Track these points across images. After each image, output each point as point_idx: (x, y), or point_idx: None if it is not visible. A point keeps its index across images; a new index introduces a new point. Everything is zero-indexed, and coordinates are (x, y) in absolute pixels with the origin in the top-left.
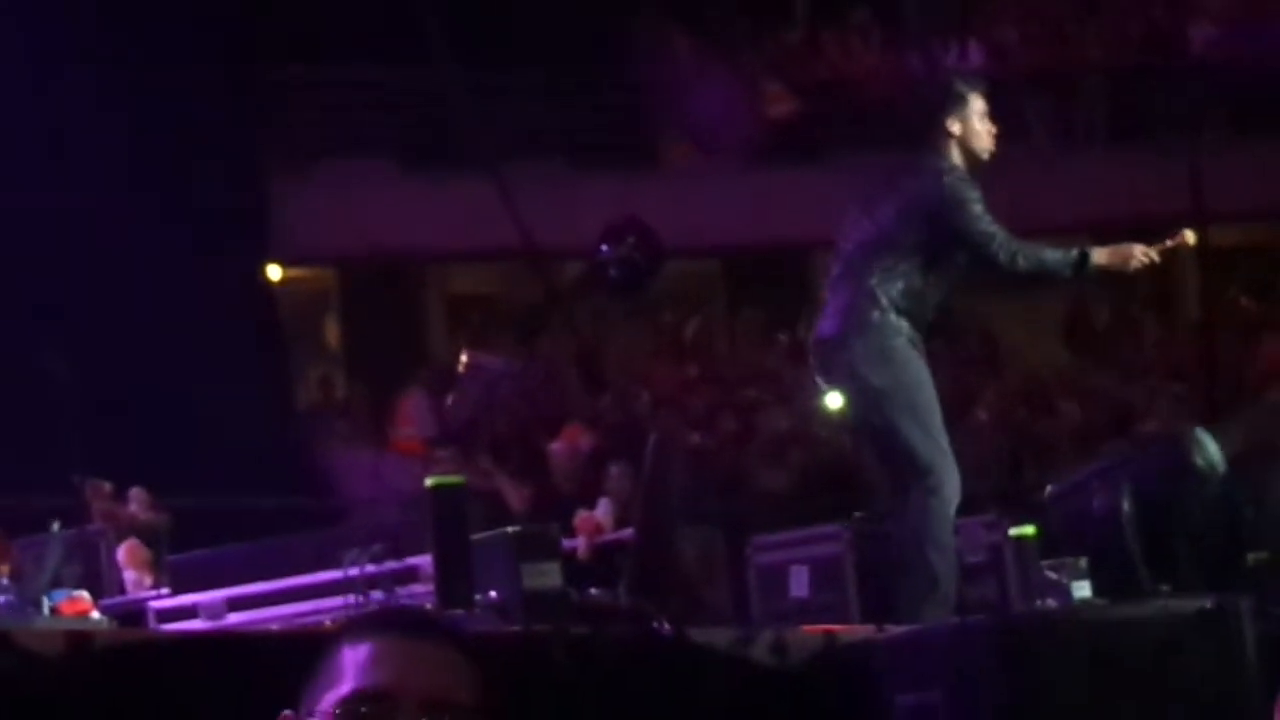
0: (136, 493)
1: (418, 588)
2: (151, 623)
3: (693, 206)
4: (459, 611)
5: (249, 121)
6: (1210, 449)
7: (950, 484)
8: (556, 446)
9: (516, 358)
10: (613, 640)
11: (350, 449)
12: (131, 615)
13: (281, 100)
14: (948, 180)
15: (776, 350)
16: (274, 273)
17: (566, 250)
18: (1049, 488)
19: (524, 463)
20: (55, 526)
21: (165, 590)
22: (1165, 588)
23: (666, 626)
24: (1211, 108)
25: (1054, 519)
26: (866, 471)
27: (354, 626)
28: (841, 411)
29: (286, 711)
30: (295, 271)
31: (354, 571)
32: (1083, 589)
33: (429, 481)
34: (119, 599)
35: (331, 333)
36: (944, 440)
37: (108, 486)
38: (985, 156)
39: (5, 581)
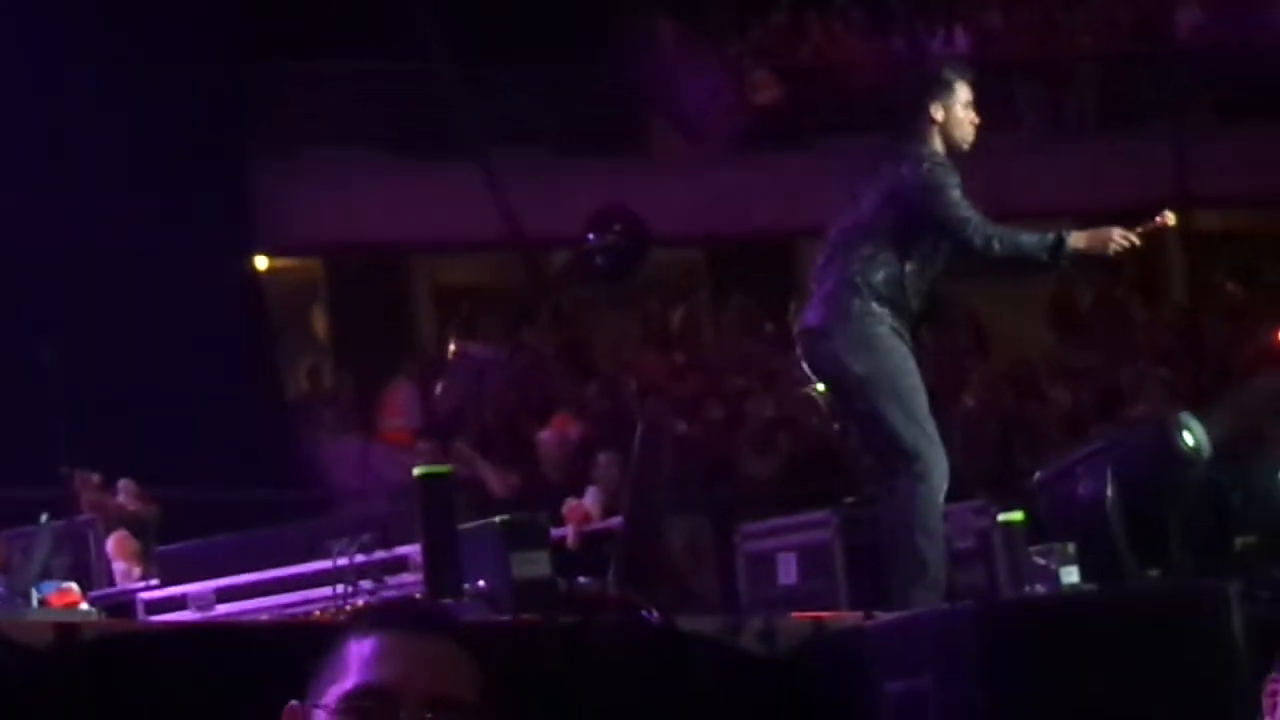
0: (125, 484)
1: (407, 577)
2: (140, 614)
3: (679, 194)
4: (448, 601)
5: (234, 112)
6: (1196, 433)
7: (938, 470)
8: (545, 435)
9: (504, 347)
10: (601, 629)
11: (338, 439)
12: (120, 606)
13: (268, 91)
14: (926, 166)
15: (763, 338)
16: (261, 263)
17: (553, 238)
18: (1037, 473)
19: (512, 452)
20: (43, 518)
21: (154, 581)
22: (1153, 572)
23: (655, 615)
24: (1197, 94)
25: (1041, 505)
26: (854, 458)
27: (359, 620)
28: (828, 397)
29: (293, 702)
30: (283, 262)
31: (343, 561)
32: (1071, 574)
33: (417, 471)
34: (108, 590)
35: (319, 323)
36: (930, 426)
37: (96, 478)
38: (965, 147)
39: None
